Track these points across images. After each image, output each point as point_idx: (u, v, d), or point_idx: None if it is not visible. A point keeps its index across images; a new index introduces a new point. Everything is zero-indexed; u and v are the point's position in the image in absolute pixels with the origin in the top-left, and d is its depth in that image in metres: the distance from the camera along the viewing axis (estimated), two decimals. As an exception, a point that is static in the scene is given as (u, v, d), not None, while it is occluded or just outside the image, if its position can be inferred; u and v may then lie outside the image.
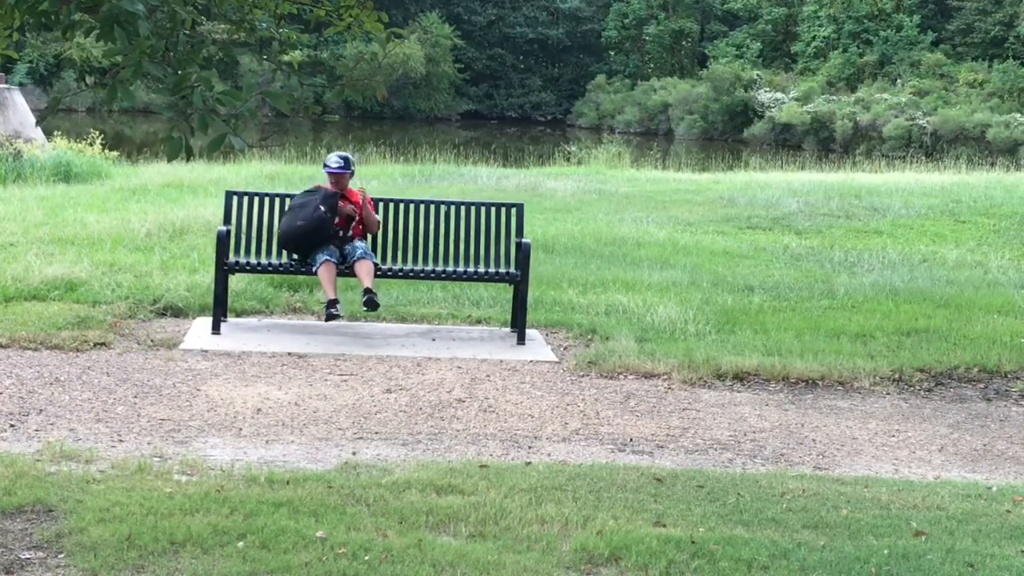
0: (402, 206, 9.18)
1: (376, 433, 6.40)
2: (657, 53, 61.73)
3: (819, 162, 31.04)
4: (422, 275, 8.88)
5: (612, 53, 64.17)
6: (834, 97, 49.68)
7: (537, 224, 13.41)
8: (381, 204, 9.15)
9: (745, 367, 7.96)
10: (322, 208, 8.63)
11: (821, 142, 47.19)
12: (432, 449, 6.18)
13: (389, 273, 8.87)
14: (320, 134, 40.12)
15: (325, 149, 26.02)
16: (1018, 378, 8.23)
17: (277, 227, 8.88)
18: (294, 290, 9.76)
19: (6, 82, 21.40)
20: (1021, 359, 8.50)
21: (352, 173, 9.07)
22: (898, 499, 5.55)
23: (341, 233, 8.87)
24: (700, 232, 14.28)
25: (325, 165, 9.11)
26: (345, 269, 8.70)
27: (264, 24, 4.99)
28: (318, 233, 8.64)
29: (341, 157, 9.09)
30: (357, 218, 8.93)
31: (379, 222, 9.01)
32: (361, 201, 8.94)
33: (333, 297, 8.47)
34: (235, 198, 9.01)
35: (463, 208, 9.20)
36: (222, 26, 5.16)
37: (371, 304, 8.44)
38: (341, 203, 8.86)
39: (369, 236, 9.02)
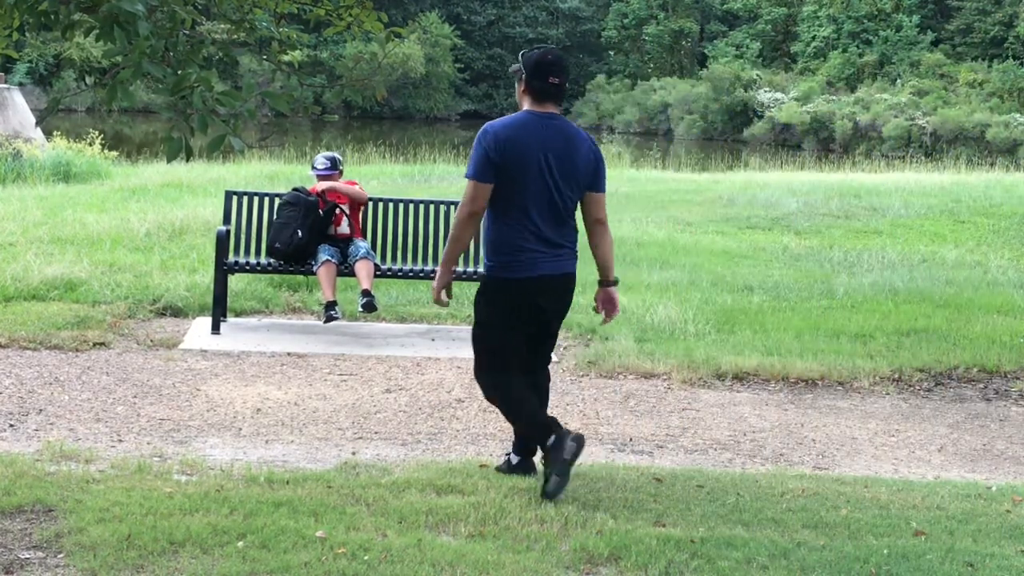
0: (402, 206, 9.18)
1: (376, 433, 6.40)
2: (657, 53, 61.81)
3: (819, 162, 31.09)
4: (422, 275, 8.88)
5: (612, 53, 64.25)
6: (834, 97, 49.72)
7: (537, 224, 13.38)
8: (381, 204, 9.15)
9: (745, 367, 7.96)
10: (299, 233, 8.61)
11: (821, 142, 47.24)
12: (432, 449, 6.17)
13: (389, 273, 8.87)
14: (320, 134, 40.14)
15: (324, 149, 26.03)
16: (1018, 378, 8.23)
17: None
18: (294, 290, 9.76)
19: (6, 82, 21.40)
20: (1021, 359, 8.50)
21: (340, 173, 9.11)
22: (898, 499, 5.55)
23: (335, 231, 8.86)
24: (699, 232, 14.28)
25: (312, 167, 9.15)
26: (346, 269, 8.70)
27: (264, 24, 4.99)
28: (300, 253, 8.62)
29: (328, 158, 9.12)
30: (349, 215, 8.92)
31: (363, 197, 8.97)
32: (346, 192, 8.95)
33: (332, 299, 8.46)
34: (234, 198, 9.02)
35: (463, 208, 9.18)
36: (222, 26, 5.16)
37: (368, 307, 8.45)
38: (325, 200, 8.81)
39: (369, 233, 9.02)
